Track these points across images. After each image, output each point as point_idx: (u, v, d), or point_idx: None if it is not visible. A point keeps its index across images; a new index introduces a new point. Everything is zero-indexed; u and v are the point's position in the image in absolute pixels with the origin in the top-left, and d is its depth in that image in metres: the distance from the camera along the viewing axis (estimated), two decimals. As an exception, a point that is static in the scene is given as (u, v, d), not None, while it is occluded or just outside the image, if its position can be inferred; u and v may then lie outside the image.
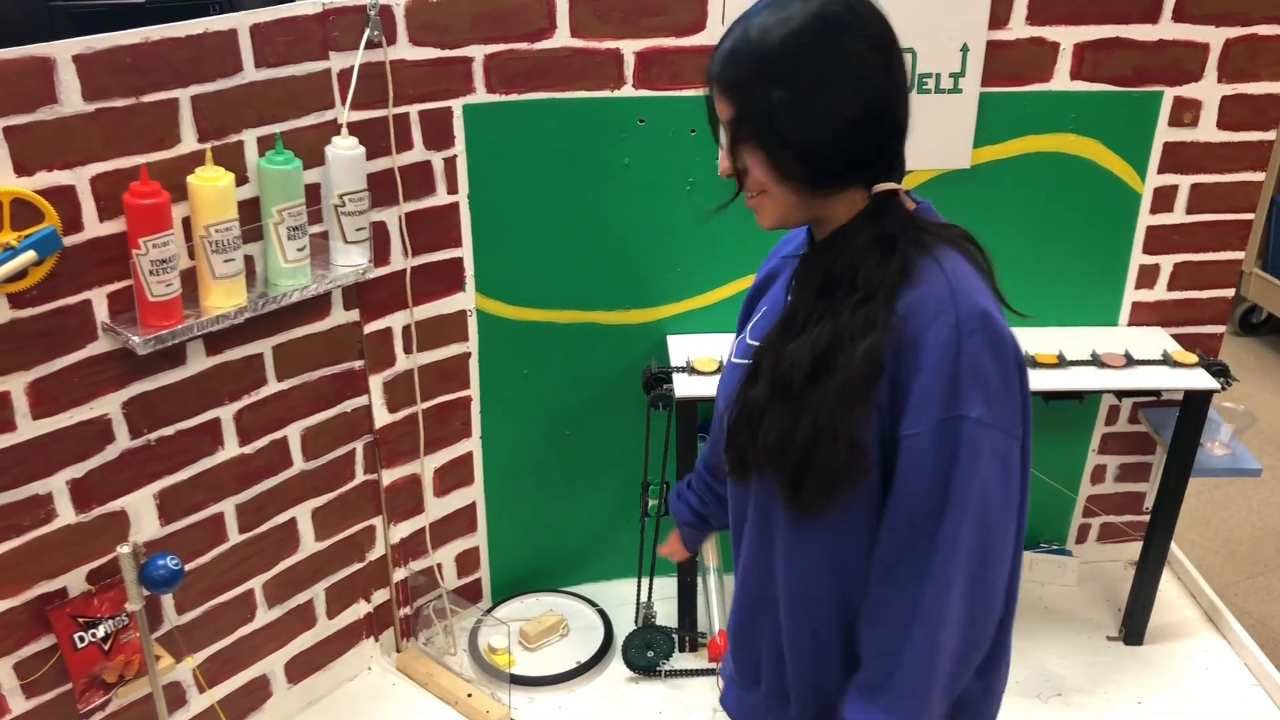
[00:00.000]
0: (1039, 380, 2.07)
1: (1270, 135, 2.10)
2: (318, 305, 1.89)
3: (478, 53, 1.92)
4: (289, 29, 1.71)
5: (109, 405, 1.64)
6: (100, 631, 1.65)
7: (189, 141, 1.62)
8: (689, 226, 2.12)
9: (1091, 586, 2.47)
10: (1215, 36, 2.02)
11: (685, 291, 2.19)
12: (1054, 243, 2.17)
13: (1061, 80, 2.03)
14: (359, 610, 2.17)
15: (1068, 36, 2.00)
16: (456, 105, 1.94)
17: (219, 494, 1.84)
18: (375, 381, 2.02)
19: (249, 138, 1.70)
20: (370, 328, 1.98)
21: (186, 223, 1.63)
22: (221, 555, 1.88)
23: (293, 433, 1.93)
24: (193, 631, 1.87)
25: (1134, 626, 2.29)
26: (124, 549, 1.53)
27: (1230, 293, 2.25)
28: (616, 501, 2.34)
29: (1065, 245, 2.17)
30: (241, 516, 1.89)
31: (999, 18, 1.97)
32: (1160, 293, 2.24)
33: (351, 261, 1.83)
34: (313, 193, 1.80)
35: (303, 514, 1.99)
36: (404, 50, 1.85)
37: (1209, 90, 2.06)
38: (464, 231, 2.04)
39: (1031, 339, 2.17)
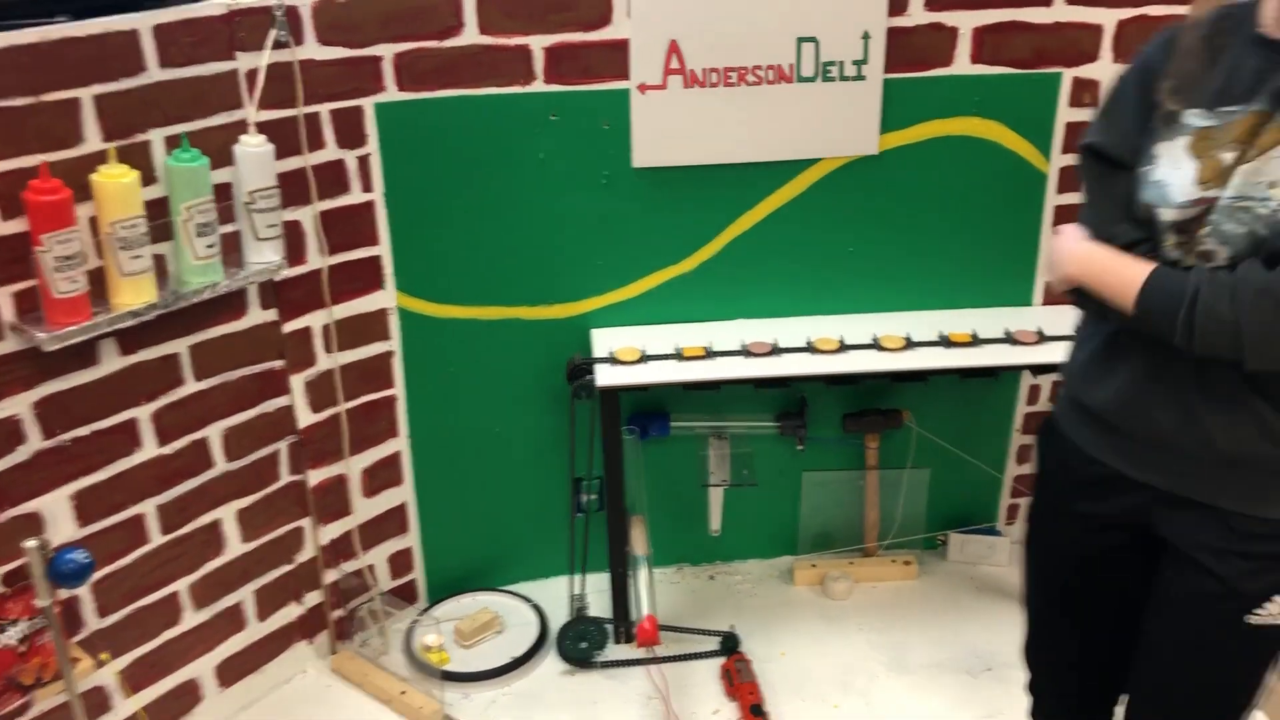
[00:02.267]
0: (954, 359, 2.11)
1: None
2: (234, 305, 1.90)
3: (387, 51, 1.94)
4: (193, 29, 1.73)
5: (18, 405, 1.64)
6: (14, 633, 1.65)
7: (93, 141, 1.64)
8: (608, 220, 2.15)
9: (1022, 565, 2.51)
10: (1108, 18, 2.08)
11: (608, 285, 2.22)
12: (964, 225, 2.22)
13: (962, 64, 2.09)
14: (291, 613, 2.17)
15: (966, 21, 2.05)
16: (368, 104, 1.96)
17: (138, 495, 1.84)
18: (296, 381, 2.03)
19: (156, 137, 1.72)
20: (289, 327, 1.99)
21: (94, 222, 1.64)
22: (143, 557, 1.88)
23: (214, 433, 1.93)
24: (116, 635, 1.86)
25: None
26: (30, 543, 1.53)
27: (1139, 269, 2.30)
28: (548, 497, 2.35)
29: (975, 227, 2.22)
30: (163, 517, 1.89)
31: (898, 4, 2.03)
32: (1071, 271, 2.28)
33: (264, 259, 1.84)
34: (224, 193, 1.81)
35: (227, 515, 2.00)
36: (312, 50, 1.88)
37: (1106, 70, 2.12)
38: (381, 229, 2.06)
39: (946, 320, 2.22)
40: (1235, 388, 1.29)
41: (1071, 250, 1.39)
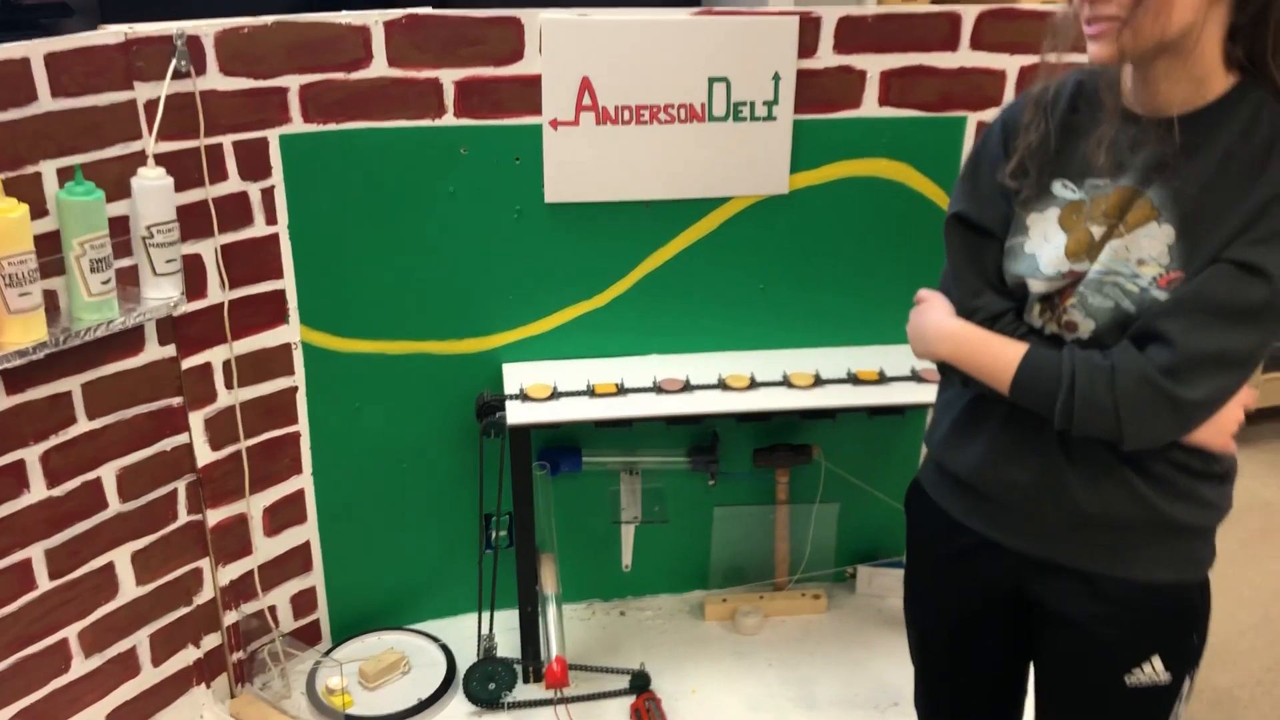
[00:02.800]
0: (862, 396, 2.14)
1: (1067, 157, 2.22)
2: (130, 341, 1.84)
3: (293, 83, 1.90)
4: (88, 59, 1.67)
5: (-106, 448, 1.57)
6: (-113, 688, 1.57)
7: (-21, 172, 1.58)
8: (519, 254, 2.14)
9: (928, 597, 2.54)
10: (1010, 63, 2.14)
11: (519, 319, 2.20)
12: (872, 263, 2.25)
13: (870, 107, 2.12)
14: (188, 656, 2.10)
15: (874, 65, 2.09)
16: (272, 135, 1.92)
17: (25, 539, 1.77)
18: (195, 418, 1.97)
19: (47, 169, 1.66)
20: (188, 363, 1.94)
21: (-21, 257, 1.57)
22: (30, 604, 1.80)
23: (107, 473, 1.86)
24: (0, 685, 1.78)
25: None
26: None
27: (1040, 308, 2.36)
28: (457, 534, 2.32)
29: (883, 265, 2.26)
30: (52, 562, 1.81)
31: (808, 47, 2.05)
32: (976, 309, 2.33)
33: (162, 294, 1.79)
34: (121, 226, 1.76)
35: (121, 558, 1.92)
36: (215, 80, 1.83)
37: (1008, 115, 2.17)
38: (285, 262, 2.01)
39: (855, 356, 2.25)
40: (1102, 455, 1.30)
41: (940, 328, 1.39)
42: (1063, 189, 1.30)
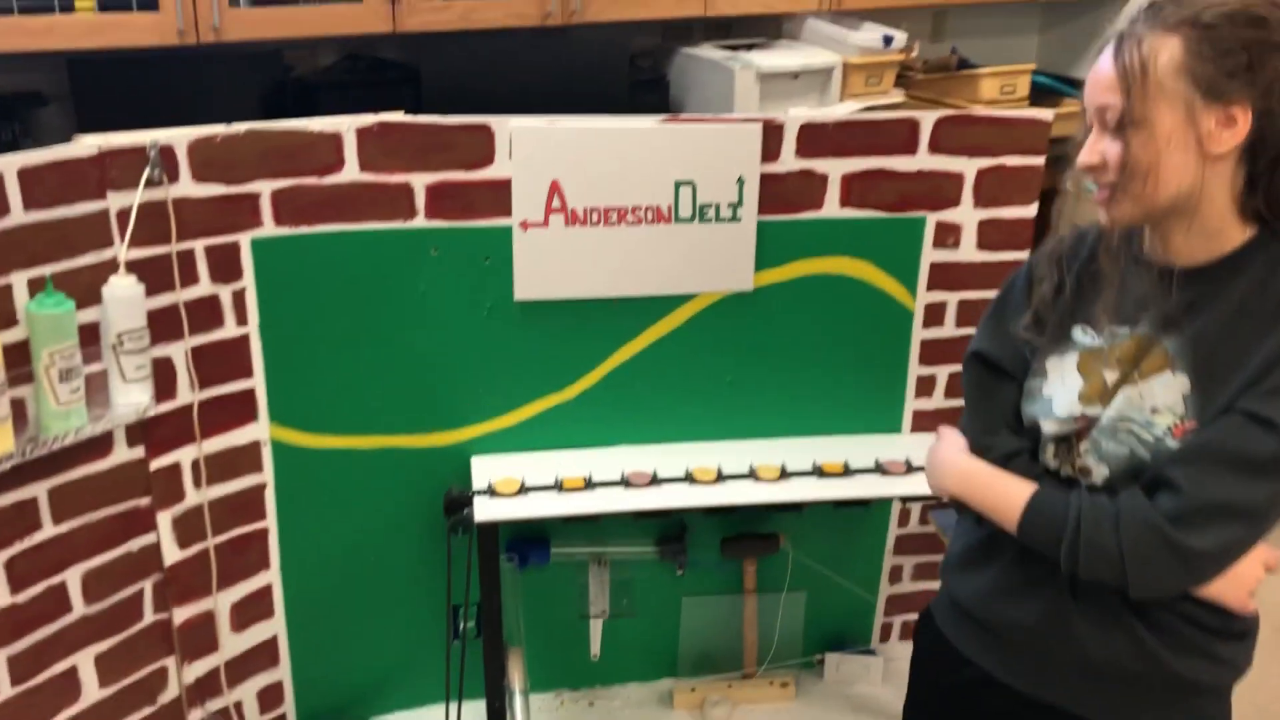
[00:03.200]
0: (827, 489, 2.17)
1: (1024, 254, 2.28)
2: (99, 444, 1.85)
3: (265, 188, 1.94)
4: (62, 172, 1.70)
5: None
6: None
7: (-50, 286, 1.59)
8: (489, 350, 2.16)
9: (897, 684, 2.55)
10: (969, 166, 2.20)
11: (488, 413, 2.22)
12: (836, 357, 2.29)
13: (832, 208, 2.17)
14: (152, 757, 2.08)
15: (835, 168, 2.14)
16: (244, 239, 1.95)
17: (-12, 646, 1.76)
18: (164, 518, 1.98)
19: (18, 280, 1.67)
20: (157, 464, 1.94)
21: (-52, 368, 1.58)
22: (-9, 711, 1.79)
23: (72, 576, 1.86)
24: (-42, 796, 1.76)
25: (933, 723, 2.37)
26: None
27: (1001, 399, 2.40)
28: (425, 625, 2.32)
29: (847, 359, 2.30)
30: (13, 669, 1.80)
31: (771, 151, 2.11)
32: (939, 401, 2.38)
33: (132, 400, 1.80)
34: (91, 332, 1.77)
35: (84, 661, 1.91)
36: (187, 188, 1.86)
37: (967, 215, 2.23)
38: (255, 362, 2.03)
39: (820, 448, 2.28)
40: (1111, 603, 1.30)
41: (953, 464, 1.41)
42: (1082, 335, 1.33)
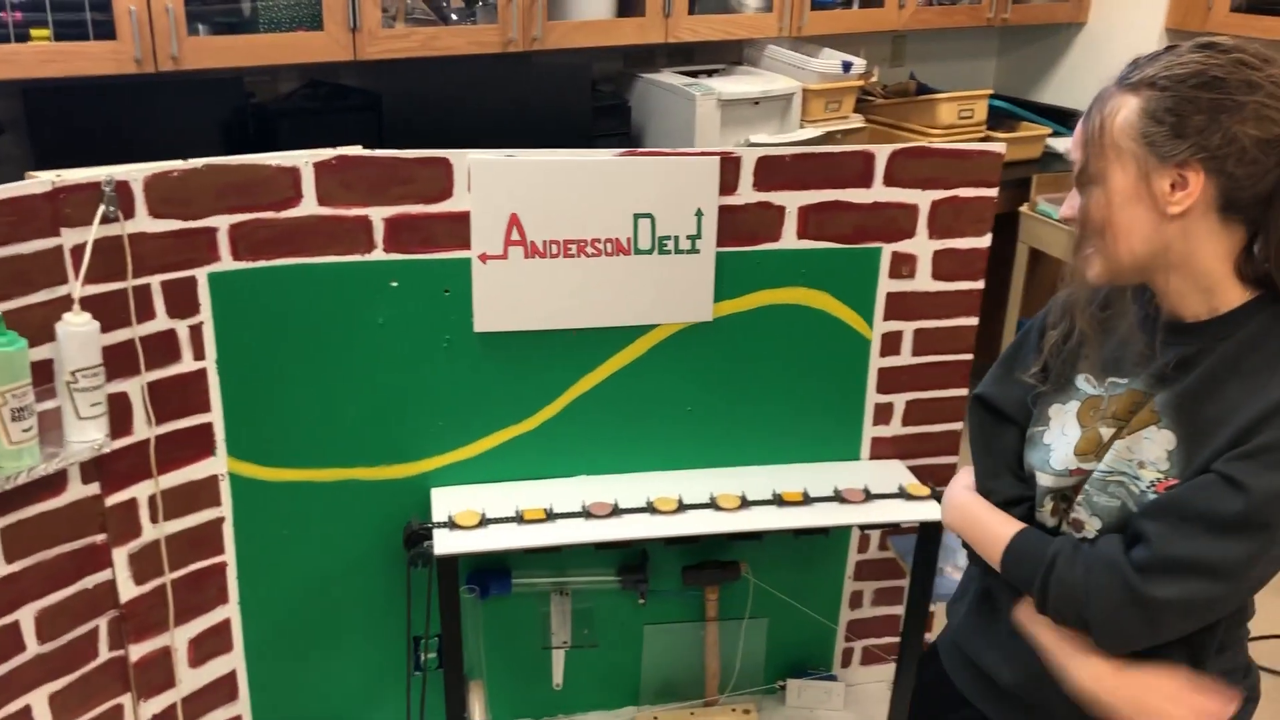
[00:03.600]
0: (787, 518, 2.18)
1: (979, 284, 2.32)
2: (52, 482, 1.83)
3: (222, 223, 1.93)
4: (14, 209, 1.69)
5: None
6: None
7: (-101, 326, 1.57)
8: (449, 381, 2.16)
9: (858, 709, 2.58)
10: (923, 199, 2.23)
11: (448, 444, 2.22)
12: (795, 386, 2.31)
13: (789, 240, 2.19)
14: (107, 795, 2.06)
15: (792, 201, 2.17)
16: (201, 274, 1.94)
17: (-62, 689, 1.74)
18: (119, 554, 1.96)
19: (-30, 318, 1.66)
20: (112, 500, 1.93)
21: (-103, 409, 1.57)
22: (-59, 754, 1.77)
23: (25, 616, 1.84)
24: (-93, 841, 1.74)
25: (893, 749, 2.39)
26: None
27: (958, 426, 2.44)
28: (386, 656, 2.31)
29: (805, 388, 2.32)
30: (-35, 710, 1.79)
31: (728, 185, 2.13)
32: (896, 428, 2.40)
33: (87, 437, 1.78)
34: (45, 369, 1.76)
35: (38, 700, 1.89)
36: (144, 223, 1.85)
37: (922, 246, 2.26)
38: (213, 396, 2.02)
39: (780, 476, 2.30)
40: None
41: (952, 498, 1.46)
42: (1085, 383, 1.35)
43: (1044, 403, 1.38)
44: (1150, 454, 1.26)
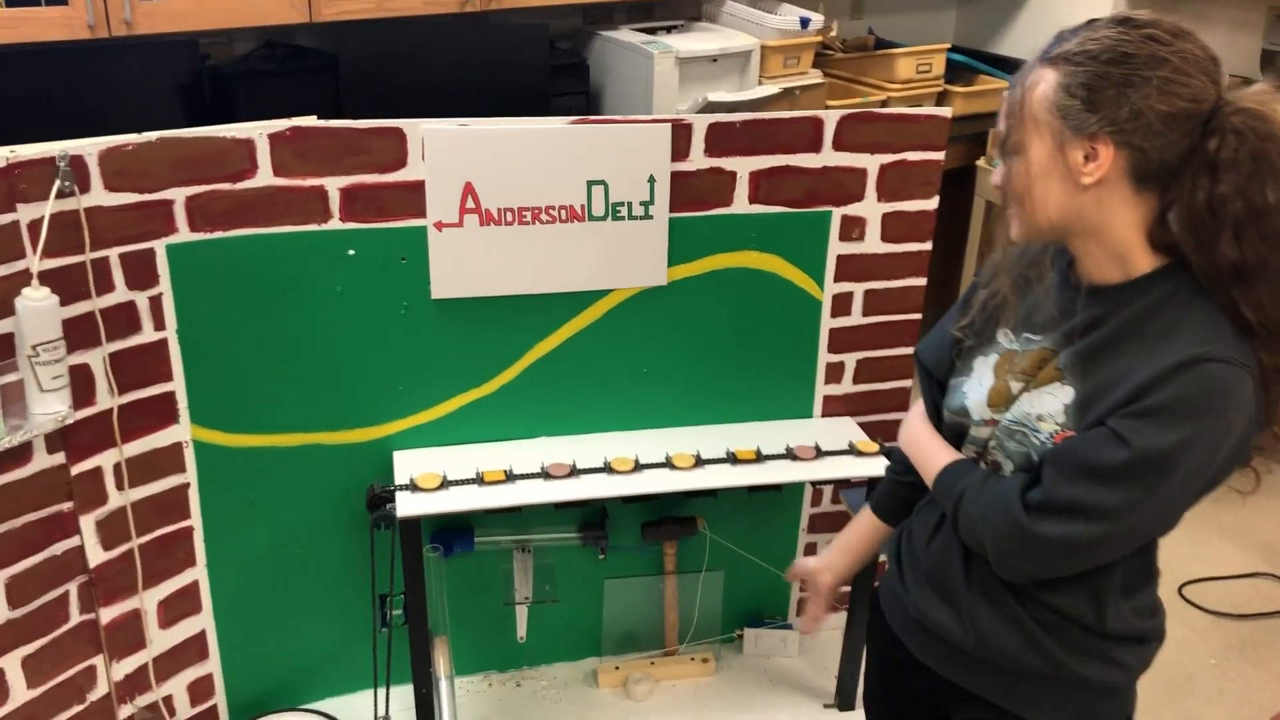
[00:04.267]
0: (740, 476, 2.25)
1: (927, 246, 2.37)
2: (17, 453, 1.86)
3: (178, 195, 1.95)
4: (-31, 185, 1.70)
5: None
6: None
7: None
8: (408, 347, 2.20)
9: (812, 656, 2.67)
10: (871, 163, 2.27)
11: (409, 409, 2.27)
12: (748, 347, 2.37)
13: (741, 204, 2.24)
14: (83, 753, 2.12)
15: (743, 166, 2.21)
16: (159, 246, 1.97)
17: (-88, 656, 1.78)
18: (86, 521, 2.00)
19: (-72, 295, 1.68)
20: (78, 468, 1.96)
21: None
22: (-82, 718, 1.82)
23: (-5, 583, 1.89)
24: (-113, 802, 1.79)
25: (845, 693, 2.49)
26: None
27: (907, 383, 2.51)
28: (353, 613, 2.37)
29: (759, 349, 2.38)
30: (-61, 675, 1.83)
31: (680, 151, 2.16)
32: (847, 386, 2.47)
33: (50, 409, 1.82)
34: (6, 342, 1.79)
35: (11, 664, 1.94)
36: (100, 197, 1.87)
37: (871, 209, 2.31)
38: (175, 365, 2.05)
39: (734, 435, 2.36)
40: (1007, 600, 1.40)
41: (907, 424, 1.55)
42: (1004, 338, 1.42)
43: (969, 355, 1.47)
44: (1050, 408, 1.34)
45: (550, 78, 3.31)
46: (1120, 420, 1.24)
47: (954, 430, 1.47)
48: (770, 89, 3.55)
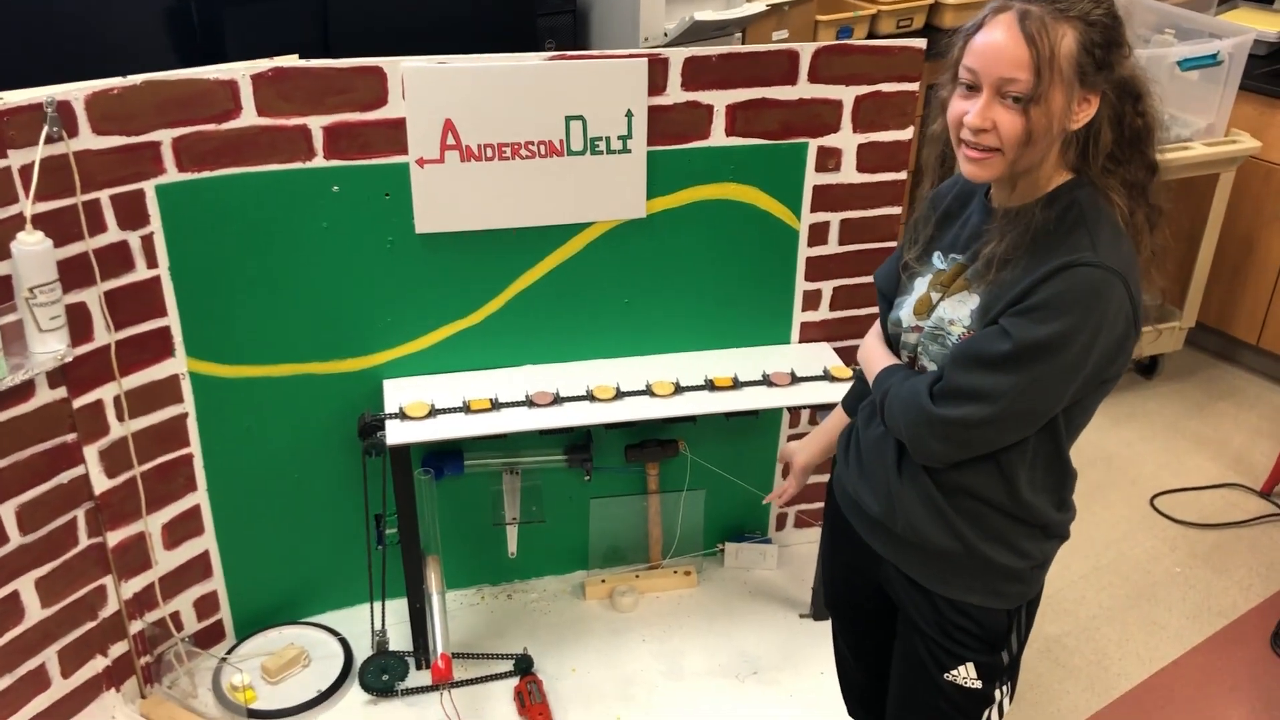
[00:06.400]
0: (718, 403, 2.33)
1: (902, 175, 2.41)
2: (20, 390, 1.95)
3: (165, 136, 2.00)
4: (-40, 133, 1.75)
5: None
6: None
7: None
8: (394, 280, 2.27)
9: (789, 569, 2.79)
10: (847, 94, 2.30)
11: (397, 339, 2.34)
12: (728, 277, 2.43)
13: (718, 137, 2.28)
14: (97, 665, 2.25)
15: (719, 99, 2.24)
16: (149, 186, 2.02)
17: (-69, 580, 1.89)
18: (90, 451, 2.10)
19: (-74, 241, 1.75)
20: (79, 402, 2.05)
21: None
22: (-60, 637, 1.93)
23: (6, 511, 1.99)
24: (-85, 714, 1.92)
25: (819, 604, 2.61)
26: None
27: (883, 309, 2.57)
28: (349, 531, 2.48)
29: (738, 278, 2.44)
30: (-42, 598, 1.95)
31: (657, 85, 2.19)
32: (824, 313, 2.54)
33: (49, 348, 1.90)
34: (4, 283, 1.86)
35: (25, 585, 2.06)
36: (88, 141, 1.92)
37: (847, 140, 2.35)
38: (169, 301, 2.12)
39: (713, 362, 2.44)
40: (927, 484, 1.55)
41: (864, 339, 1.72)
42: (938, 259, 1.59)
43: (910, 274, 1.64)
44: (959, 313, 1.51)
45: (537, -4, 3.30)
46: (1008, 319, 1.41)
47: (894, 339, 1.65)
48: (757, 6, 3.52)
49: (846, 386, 2.36)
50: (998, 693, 1.66)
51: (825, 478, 2.72)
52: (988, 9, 1.40)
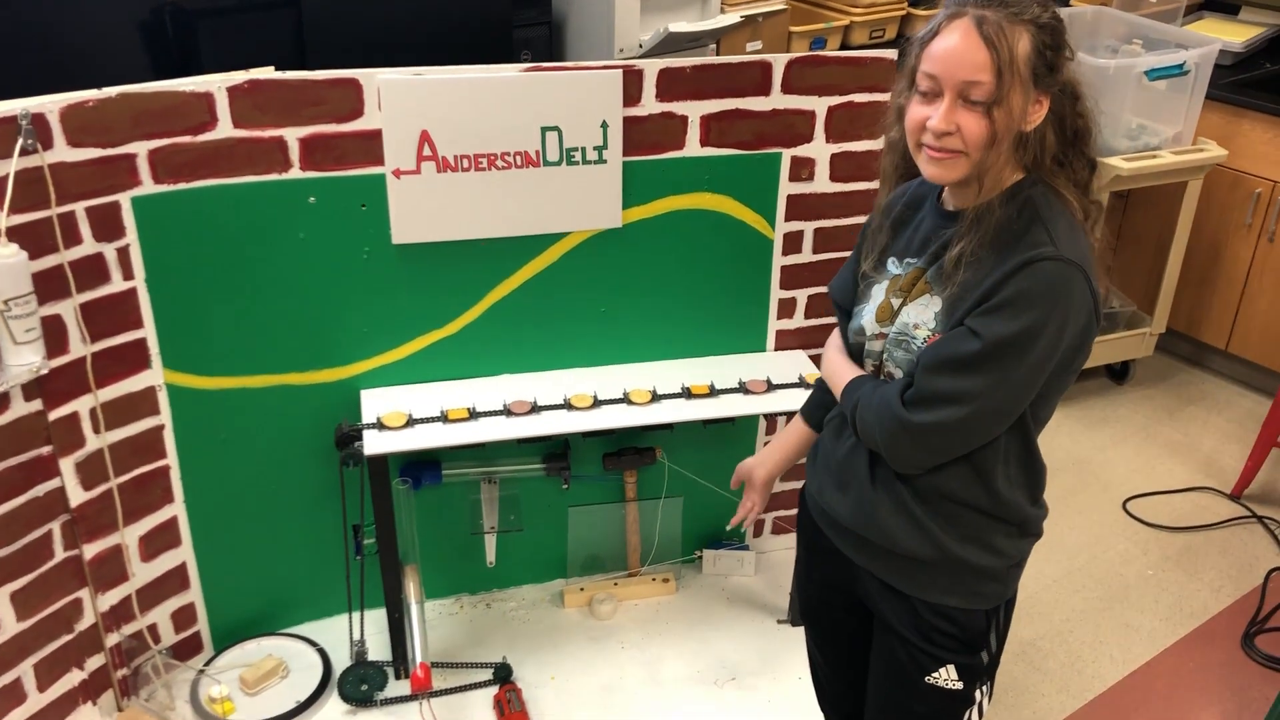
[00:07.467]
0: (694, 410, 2.35)
1: (874, 185, 2.44)
2: (-5, 401, 1.95)
3: (140, 149, 2.00)
4: (-66, 146, 1.75)
5: None
6: None
7: None
8: (371, 290, 2.28)
9: (767, 575, 2.81)
10: (820, 105, 2.33)
11: (374, 349, 2.35)
12: (703, 286, 2.45)
13: (693, 148, 2.30)
14: (73, 679, 2.24)
15: (694, 110, 2.26)
16: (124, 198, 2.02)
17: (-95, 595, 1.88)
18: (66, 464, 2.09)
19: (-99, 254, 1.74)
20: (55, 414, 2.05)
21: None
22: (-86, 652, 1.92)
23: (-19, 524, 1.99)
24: (-110, 729, 1.91)
25: (796, 610, 2.63)
26: None
27: (857, 317, 2.59)
28: (327, 542, 2.48)
29: (713, 287, 2.46)
30: (-67, 612, 1.94)
31: (632, 96, 2.21)
32: (799, 321, 2.56)
33: (24, 361, 1.89)
34: (-22, 296, 1.85)
35: (0, 599, 2.05)
36: (63, 153, 1.92)
37: (820, 150, 2.37)
38: (145, 313, 2.12)
39: (689, 370, 2.46)
40: (902, 493, 1.56)
41: (825, 350, 1.72)
42: (893, 265, 1.60)
43: (867, 283, 1.66)
44: (922, 317, 1.53)
45: (514, 8, 3.32)
46: (974, 319, 1.44)
47: (857, 349, 1.65)
48: (732, 17, 3.56)
49: (822, 394, 2.39)
50: (978, 693, 1.68)
51: (795, 485, 2.77)
52: (941, 15, 1.44)
